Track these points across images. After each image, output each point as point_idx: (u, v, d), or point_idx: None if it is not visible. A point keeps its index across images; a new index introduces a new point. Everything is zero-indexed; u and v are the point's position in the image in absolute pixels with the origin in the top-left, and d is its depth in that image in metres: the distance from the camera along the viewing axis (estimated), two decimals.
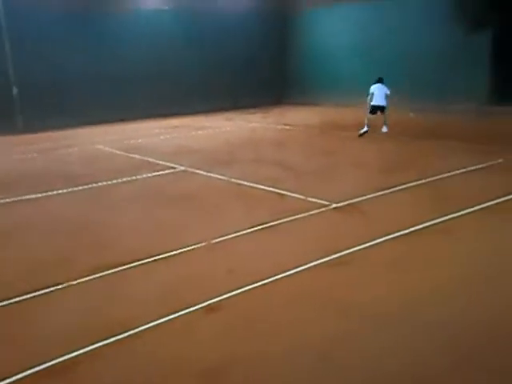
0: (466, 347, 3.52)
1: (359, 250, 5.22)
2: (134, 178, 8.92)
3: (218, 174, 8.85)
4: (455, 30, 15.19)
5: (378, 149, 10.86)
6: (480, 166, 8.58)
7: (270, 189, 7.70)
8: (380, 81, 12.76)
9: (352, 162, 9.72)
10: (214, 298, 4.26)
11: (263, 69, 20.21)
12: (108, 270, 4.93)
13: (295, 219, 6.26)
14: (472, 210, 6.29)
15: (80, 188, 8.32)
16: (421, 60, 16.27)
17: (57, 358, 3.51)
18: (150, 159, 10.40)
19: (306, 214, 6.43)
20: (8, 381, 3.30)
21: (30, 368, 3.41)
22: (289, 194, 7.40)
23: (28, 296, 4.48)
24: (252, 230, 5.93)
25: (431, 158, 9.55)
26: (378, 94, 12.62)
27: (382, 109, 12.64)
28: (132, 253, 5.34)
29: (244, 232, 5.85)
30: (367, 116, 12.55)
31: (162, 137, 13.62)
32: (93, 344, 3.66)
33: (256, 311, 4.11)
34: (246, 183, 8.13)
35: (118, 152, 11.48)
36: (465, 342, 3.58)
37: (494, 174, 8.13)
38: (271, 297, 4.33)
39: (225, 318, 4.00)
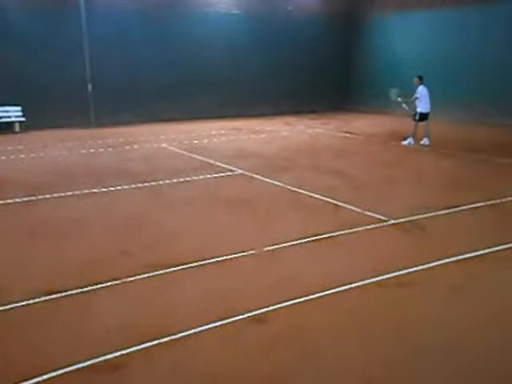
0: None
1: (417, 271, 5.00)
2: (193, 178, 9.07)
3: (275, 179, 8.82)
4: None
5: (438, 163, 10.43)
6: None
7: (327, 199, 7.57)
8: (422, 81, 11.89)
9: (412, 175, 9.39)
10: (261, 308, 4.22)
11: (327, 74, 20.02)
12: (158, 270, 5.01)
13: (350, 233, 6.11)
14: None
15: (140, 185, 8.56)
16: (498, 72, 15.42)
17: (99, 356, 3.57)
18: (211, 161, 10.55)
19: (362, 228, 6.26)
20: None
21: (71, 365, 3.48)
22: (345, 205, 7.24)
23: (77, 291, 4.60)
24: (305, 240, 5.84)
25: (495, 177, 9.06)
26: (427, 98, 11.78)
27: (427, 116, 11.91)
28: (184, 254, 5.41)
29: (296, 242, 5.78)
30: (415, 124, 11.88)
31: (223, 138, 13.79)
32: (135, 346, 3.70)
33: (303, 327, 4.02)
34: (302, 191, 8.05)
35: (180, 151, 11.74)
36: None
37: None
38: (319, 313, 4.23)
39: (270, 331, 3.95)
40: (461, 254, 5.36)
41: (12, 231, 6.41)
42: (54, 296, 4.49)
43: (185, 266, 5.12)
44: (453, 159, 10.75)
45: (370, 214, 6.80)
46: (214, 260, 5.28)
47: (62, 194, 7.97)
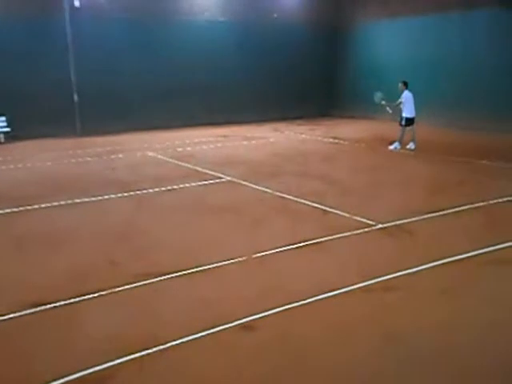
0: None
1: (405, 274, 5.04)
2: (181, 186, 9.06)
3: (263, 186, 8.84)
4: None
5: (424, 167, 10.54)
6: None
7: (315, 204, 7.61)
8: (407, 86, 12.20)
9: (399, 180, 9.47)
10: (249, 316, 4.22)
11: (314, 81, 20.16)
12: (146, 279, 4.99)
13: (338, 238, 6.14)
14: None
15: (127, 194, 8.53)
16: (481, 77, 15.63)
17: (88, 368, 3.54)
18: (199, 168, 10.55)
19: (350, 233, 6.30)
20: None
21: (60, 378, 3.44)
22: (333, 210, 7.28)
23: (64, 302, 4.57)
24: (293, 246, 5.86)
25: (483, 181, 9.17)
26: (412, 103, 12.11)
27: (413, 121, 12.21)
28: (172, 263, 5.39)
29: (284, 248, 5.79)
30: (402, 129, 12.15)
31: (211, 145, 13.80)
32: (124, 356, 3.67)
33: (291, 333, 4.03)
34: (290, 197, 8.07)
35: (168, 159, 11.72)
36: None
37: None
38: (307, 319, 4.24)
39: (259, 338, 3.95)
40: (447, 258, 5.41)
41: None
42: (41, 308, 4.45)
43: (173, 275, 5.10)
44: (438, 163, 10.87)
45: (357, 218, 6.85)
46: (202, 268, 5.27)
47: (49, 205, 7.90)
